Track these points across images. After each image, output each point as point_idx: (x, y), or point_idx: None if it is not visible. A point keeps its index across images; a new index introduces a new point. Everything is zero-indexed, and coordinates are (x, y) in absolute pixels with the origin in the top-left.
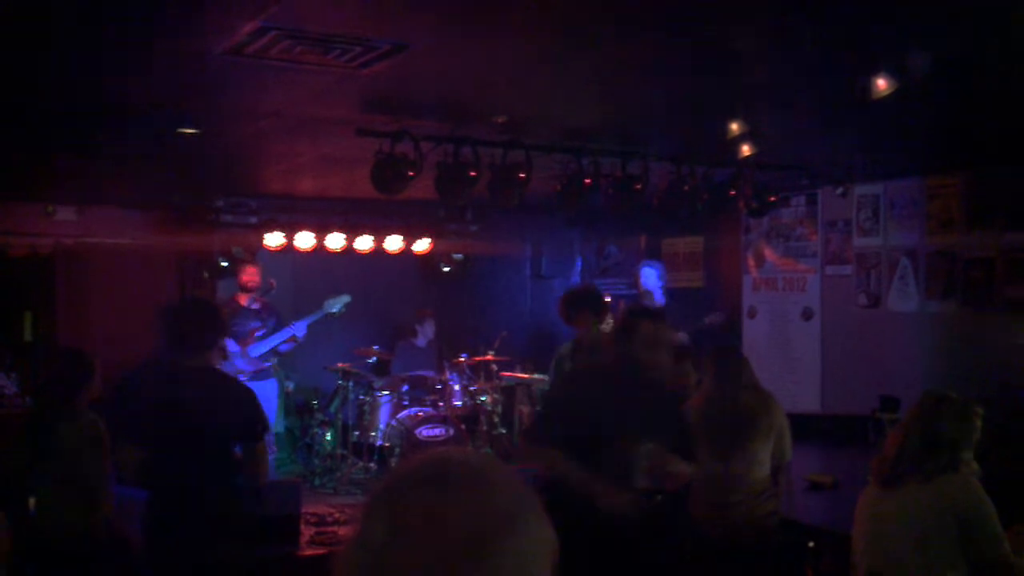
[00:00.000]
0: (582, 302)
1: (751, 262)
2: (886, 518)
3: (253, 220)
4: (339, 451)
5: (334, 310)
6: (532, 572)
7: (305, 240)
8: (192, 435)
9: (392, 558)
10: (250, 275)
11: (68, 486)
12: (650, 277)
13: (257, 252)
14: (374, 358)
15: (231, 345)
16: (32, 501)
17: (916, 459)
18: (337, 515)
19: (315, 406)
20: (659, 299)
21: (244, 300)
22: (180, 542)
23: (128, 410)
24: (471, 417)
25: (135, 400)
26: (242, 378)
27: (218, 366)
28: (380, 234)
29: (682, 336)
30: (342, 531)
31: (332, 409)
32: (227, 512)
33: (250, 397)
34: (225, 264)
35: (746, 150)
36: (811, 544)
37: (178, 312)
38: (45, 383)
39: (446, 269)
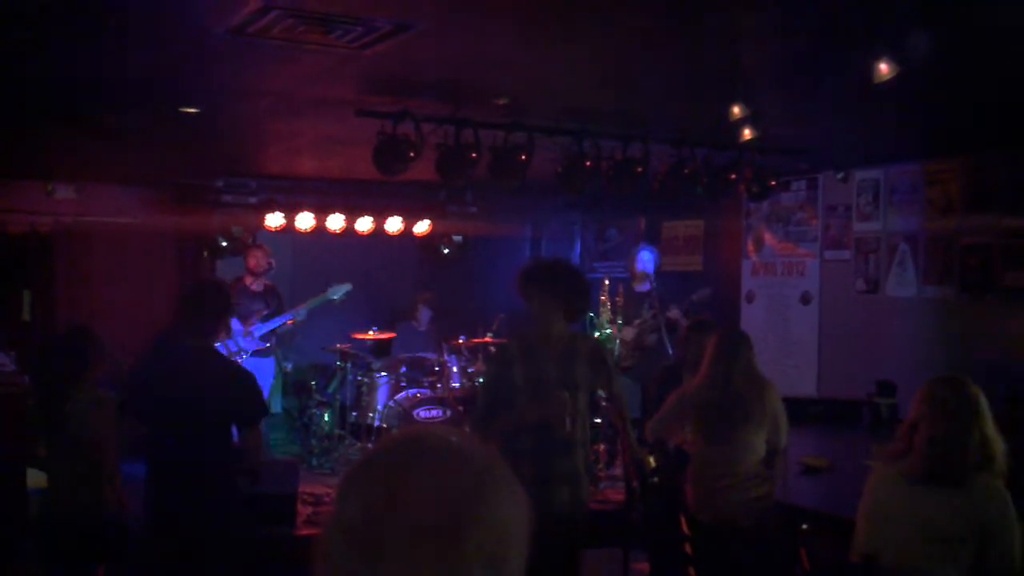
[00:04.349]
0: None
1: (750, 246)
2: (900, 507)
3: (253, 200)
4: (337, 432)
5: (335, 297)
6: (507, 544)
7: (305, 221)
8: (191, 414)
9: (367, 537)
10: (256, 259)
11: (81, 462)
12: (648, 262)
13: (257, 232)
14: (372, 338)
15: (235, 324)
16: (39, 477)
17: (960, 460)
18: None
19: (313, 387)
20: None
21: (249, 281)
22: (177, 518)
23: (132, 387)
24: (469, 399)
25: (139, 377)
26: (242, 356)
27: (221, 343)
28: (380, 215)
29: (674, 312)
30: None
31: (330, 390)
32: (223, 491)
33: (250, 381)
34: (224, 244)
35: (747, 134)
36: (805, 527)
37: (192, 293)
38: (53, 359)
39: (446, 251)
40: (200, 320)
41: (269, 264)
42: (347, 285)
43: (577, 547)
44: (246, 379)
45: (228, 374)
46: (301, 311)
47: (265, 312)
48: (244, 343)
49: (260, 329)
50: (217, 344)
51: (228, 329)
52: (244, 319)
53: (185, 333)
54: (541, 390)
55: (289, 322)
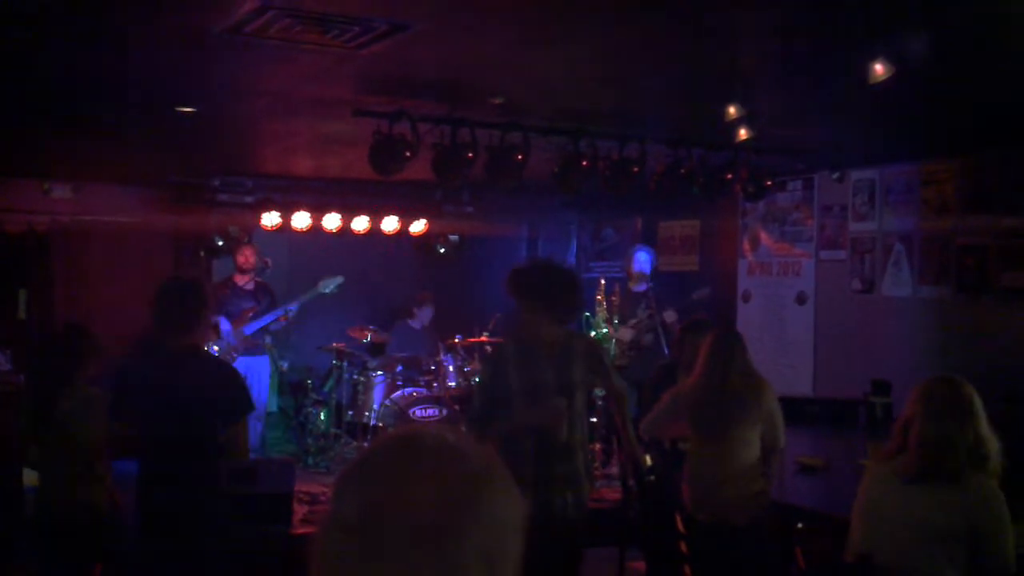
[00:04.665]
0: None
1: (746, 246)
2: (894, 506)
3: (249, 199)
4: (333, 431)
5: (327, 290)
6: (505, 543)
7: (301, 220)
8: (177, 415)
9: (364, 536)
10: (246, 256)
11: (74, 460)
12: (644, 262)
13: (253, 232)
14: (368, 337)
15: (224, 324)
16: (35, 476)
17: (954, 459)
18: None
19: (309, 386)
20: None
21: (239, 280)
22: (167, 517)
23: (119, 388)
24: (465, 397)
25: (126, 378)
26: (233, 355)
27: (209, 344)
28: (376, 215)
29: (670, 314)
30: None
31: (326, 389)
32: (212, 489)
33: (234, 377)
34: (221, 243)
35: (743, 134)
36: (800, 526)
37: (161, 293)
38: (47, 356)
39: (442, 250)
40: (176, 318)
41: (264, 263)
42: (338, 277)
43: (578, 549)
44: (228, 374)
45: (209, 371)
46: (292, 306)
47: (255, 311)
48: (234, 342)
49: (250, 327)
50: (210, 343)
51: (215, 326)
52: (234, 318)
53: (163, 332)
54: (537, 395)
55: (281, 318)
